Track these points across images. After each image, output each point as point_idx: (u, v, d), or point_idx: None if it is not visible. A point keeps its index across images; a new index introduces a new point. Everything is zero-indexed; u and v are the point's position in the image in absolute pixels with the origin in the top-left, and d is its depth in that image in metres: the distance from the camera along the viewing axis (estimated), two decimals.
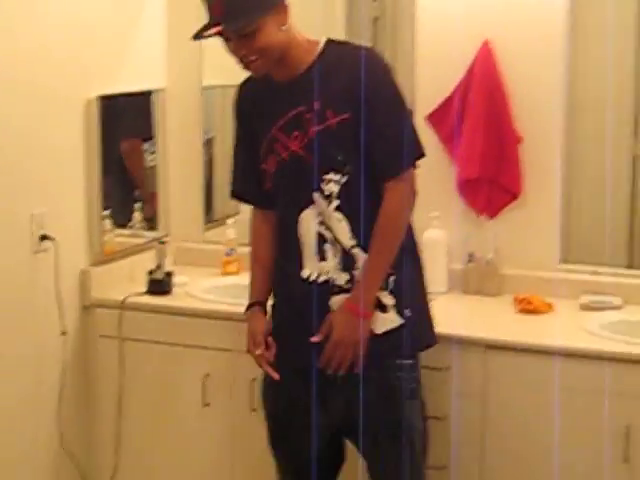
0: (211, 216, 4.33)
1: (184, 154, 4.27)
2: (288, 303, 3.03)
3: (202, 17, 4.00)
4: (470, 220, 3.80)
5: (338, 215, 2.88)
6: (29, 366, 3.57)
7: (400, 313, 2.94)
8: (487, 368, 3.34)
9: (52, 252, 3.58)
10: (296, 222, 2.92)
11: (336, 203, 2.88)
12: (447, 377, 3.19)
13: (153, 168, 4.21)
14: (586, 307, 3.63)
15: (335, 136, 2.87)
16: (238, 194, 3.24)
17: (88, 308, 3.81)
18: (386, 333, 2.93)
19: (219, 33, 2.78)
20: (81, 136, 3.75)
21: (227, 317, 3.63)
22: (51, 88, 3.57)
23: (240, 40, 2.78)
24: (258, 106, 3.02)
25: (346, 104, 2.86)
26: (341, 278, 2.91)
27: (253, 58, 2.79)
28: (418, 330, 3.00)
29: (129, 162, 4.20)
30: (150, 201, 4.23)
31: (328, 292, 2.91)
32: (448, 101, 3.75)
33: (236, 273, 4.11)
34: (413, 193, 2.96)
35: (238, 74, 4.12)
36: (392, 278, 2.92)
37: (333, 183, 2.87)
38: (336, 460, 3.21)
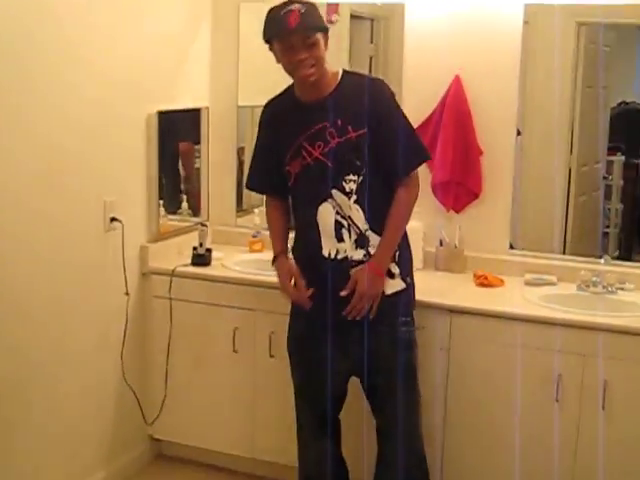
0: (241, 206, 4.32)
1: (221, 159, 4.27)
2: (315, 276, 3.02)
3: (238, 53, 4.07)
4: (441, 214, 3.82)
5: (356, 206, 2.94)
6: (101, 318, 3.59)
7: (403, 280, 3.05)
8: (452, 328, 3.36)
9: (119, 231, 3.59)
10: (315, 213, 2.95)
11: (354, 197, 2.94)
12: (422, 334, 3.17)
13: (197, 169, 4.20)
14: (529, 283, 3.65)
15: (354, 146, 2.93)
16: (253, 187, 3.31)
17: (146, 275, 3.82)
18: (393, 294, 3.01)
19: (286, 42, 2.84)
20: (144, 143, 3.76)
21: (252, 284, 3.67)
22: (123, 106, 3.59)
23: (305, 47, 2.83)
24: (285, 120, 3.04)
25: (363, 122, 2.92)
26: (358, 254, 2.97)
27: (313, 62, 2.85)
28: (413, 294, 3.12)
29: (183, 160, 4.21)
30: (194, 194, 4.23)
31: (348, 266, 2.96)
32: (427, 121, 3.76)
33: (260, 251, 4.11)
34: (417, 186, 3.07)
35: (264, 97, 4.19)
36: (397, 252, 3.02)
37: (352, 182, 2.93)
38: (343, 395, 3.24)
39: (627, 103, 3.93)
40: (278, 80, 4.23)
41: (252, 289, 3.67)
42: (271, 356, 3.62)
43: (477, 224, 3.81)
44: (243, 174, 4.29)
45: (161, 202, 3.91)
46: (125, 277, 3.67)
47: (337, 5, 3.98)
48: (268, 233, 4.02)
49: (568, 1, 3.60)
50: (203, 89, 4.19)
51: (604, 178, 3.98)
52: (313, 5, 2.89)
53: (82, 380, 3.51)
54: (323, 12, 3.97)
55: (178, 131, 4.09)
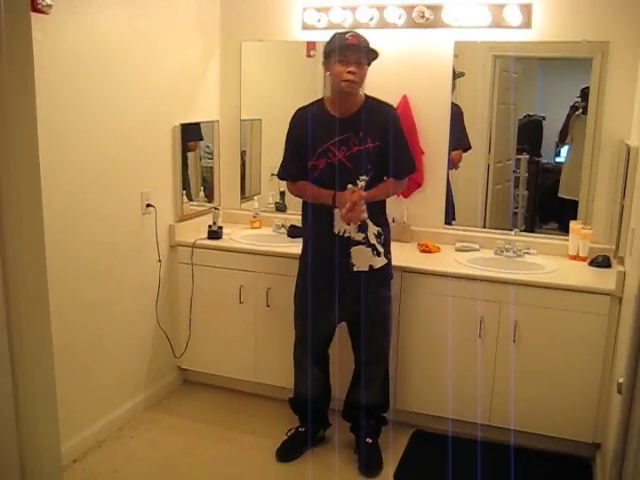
0: (244, 194, 4.27)
1: (229, 159, 4.22)
2: (323, 247, 3.04)
3: (241, 79, 4.03)
4: (394, 199, 3.72)
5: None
6: (140, 279, 3.58)
7: (386, 257, 3.09)
8: (403, 283, 3.37)
9: (153, 214, 3.57)
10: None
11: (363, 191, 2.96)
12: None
13: (211, 168, 4.16)
14: (458, 249, 3.66)
15: (369, 154, 2.96)
16: (288, 176, 3.17)
17: (173, 247, 3.79)
18: (380, 268, 3.07)
19: (344, 55, 2.88)
20: (170, 148, 3.72)
21: (253, 252, 3.65)
22: (154, 120, 3.56)
23: (355, 64, 2.88)
24: (315, 126, 3.00)
25: (378, 136, 2.96)
26: (358, 236, 3.01)
27: (357, 79, 2.90)
28: (391, 267, 3.16)
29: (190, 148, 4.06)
30: (209, 186, 4.21)
31: (349, 243, 3.01)
32: None
33: (259, 227, 4.08)
34: (404, 185, 3.23)
35: (261, 113, 4.17)
36: (383, 236, 3.07)
37: (363, 181, 2.96)
38: (333, 335, 3.26)
39: (531, 116, 3.94)
40: (269, 100, 4.27)
41: (253, 256, 3.65)
42: (267, 306, 3.62)
43: (420, 206, 3.81)
44: (245, 171, 4.29)
45: (184, 192, 3.87)
46: (158, 248, 3.64)
47: (314, 43, 3.94)
48: (264, 214, 4.10)
49: (487, 39, 3.58)
50: (214, 107, 4.14)
51: (514, 172, 3.98)
52: (367, 40, 2.96)
53: (126, 325, 3.51)
54: (303, 49, 3.99)
55: (192, 134, 4.00)
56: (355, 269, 3.03)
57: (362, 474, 3.13)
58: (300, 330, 3.22)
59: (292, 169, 3.13)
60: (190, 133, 3.90)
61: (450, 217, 3.88)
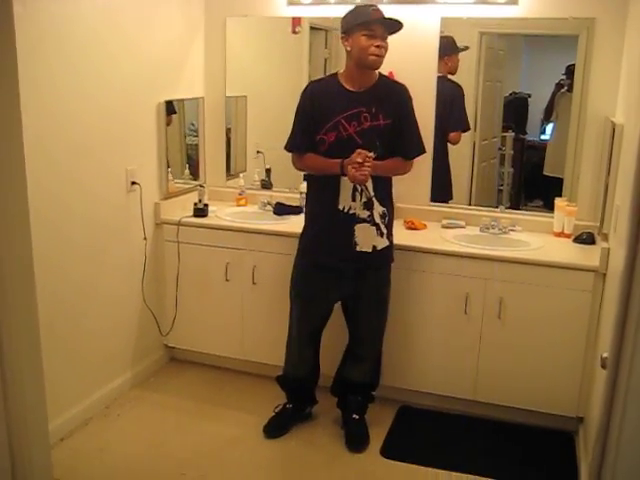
0: (229, 172, 4.24)
1: (214, 136, 4.18)
2: (327, 224, 3.00)
3: (225, 56, 3.99)
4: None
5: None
6: (126, 257, 3.56)
7: (388, 238, 3.05)
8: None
9: (138, 192, 3.54)
10: (339, 177, 2.92)
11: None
12: None
13: (196, 145, 4.13)
14: (445, 226, 3.66)
15: (380, 131, 2.93)
16: (294, 149, 3.07)
17: (159, 224, 3.77)
18: (382, 249, 3.03)
19: (371, 29, 2.84)
20: (154, 124, 3.68)
21: (239, 230, 3.63)
22: (140, 95, 3.52)
23: (382, 38, 2.86)
24: (327, 99, 2.96)
25: (391, 113, 2.94)
26: (363, 213, 2.97)
27: (383, 52, 2.88)
28: (393, 250, 3.12)
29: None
30: (194, 163, 4.17)
31: (354, 220, 2.96)
32: None
33: (245, 205, 4.05)
34: (411, 165, 3.13)
35: (246, 90, 4.13)
36: (387, 217, 3.04)
37: (371, 158, 2.86)
38: (330, 315, 3.24)
39: (516, 93, 3.93)
40: (254, 77, 4.23)
41: (239, 234, 3.63)
42: (254, 283, 3.61)
43: (407, 184, 3.75)
44: (231, 147, 4.26)
45: (169, 169, 3.84)
46: (143, 226, 3.62)
47: (300, 18, 3.91)
48: (250, 192, 4.08)
49: (473, 15, 3.56)
50: (199, 83, 4.09)
51: (499, 149, 3.98)
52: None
53: (112, 304, 3.50)
54: (289, 25, 3.95)
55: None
56: (358, 249, 2.99)
57: (349, 449, 3.16)
58: (297, 311, 3.19)
59: (300, 142, 3.06)
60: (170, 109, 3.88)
61: (447, 196, 3.89)
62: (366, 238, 2.99)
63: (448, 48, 3.71)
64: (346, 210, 2.97)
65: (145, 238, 3.65)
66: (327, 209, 3.00)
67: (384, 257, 3.09)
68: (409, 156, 3.08)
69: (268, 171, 4.20)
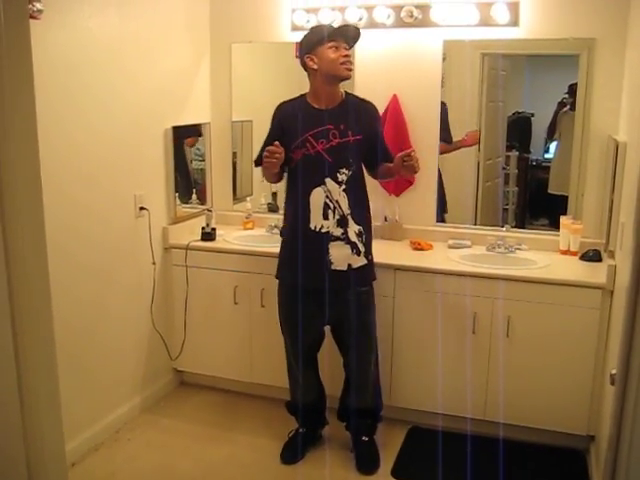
0: (236, 196, 4.28)
1: (220, 161, 4.23)
2: (300, 243, 2.97)
3: (231, 82, 4.04)
4: (385, 197, 3.83)
5: (343, 194, 2.93)
6: (135, 282, 3.59)
7: (366, 257, 3.02)
8: (396, 281, 3.39)
9: (147, 217, 3.58)
10: (309, 194, 2.93)
11: (344, 187, 2.93)
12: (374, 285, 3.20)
13: (203, 170, 4.17)
14: (451, 246, 3.69)
15: (350, 147, 2.94)
16: (258, 164, 3.08)
17: (167, 249, 3.80)
18: (359, 267, 3.00)
19: (336, 41, 2.91)
20: (162, 150, 3.73)
21: (247, 253, 3.66)
22: (147, 122, 3.57)
23: (348, 49, 2.94)
24: (296, 118, 2.97)
25: (360, 130, 2.95)
26: (337, 231, 2.95)
27: (351, 64, 2.95)
28: (373, 269, 3.09)
29: (189, 146, 4.13)
30: (201, 188, 4.21)
31: (328, 239, 2.95)
32: None
33: (252, 228, 4.08)
34: None
35: (252, 114, 4.18)
36: (364, 236, 3.01)
37: (344, 175, 2.92)
38: (321, 339, 3.25)
39: (519, 112, 3.96)
40: (259, 101, 4.28)
41: (247, 257, 3.66)
42: (262, 306, 3.62)
43: (412, 204, 3.82)
44: (237, 171, 4.30)
45: (176, 194, 3.88)
46: (152, 251, 3.65)
47: None
48: (257, 215, 4.11)
49: (475, 37, 3.61)
50: (205, 109, 4.15)
51: (503, 169, 4.01)
52: None
53: (122, 328, 3.52)
54: (293, 50, 4.00)
55: (189, 133, 4.05)
56: (333, 267, 2.97)
57: (360, 471, 3.15)
58: (287, 337, 3.20)
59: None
60: (187, 130, 3.94)
61: (441, 210, 3.90)
62: (341, 257, 2.97)
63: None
64: (318, 229, 2.96)
65: (154, 262, 3.68)
66: (300, 229, 2.98)
67: (362, 276, 3.04)
68: (386, 161, 3.08)
69: (274, 194, 4.24)
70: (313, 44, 2.94)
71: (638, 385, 1.31)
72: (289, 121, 3.01)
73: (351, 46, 3.00)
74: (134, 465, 3.21)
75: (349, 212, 2.96)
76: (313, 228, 2.96)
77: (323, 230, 2.95)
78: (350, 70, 2.95)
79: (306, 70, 3.01)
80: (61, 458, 1.41)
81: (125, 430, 3.50)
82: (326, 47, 2.90)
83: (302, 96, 3.09)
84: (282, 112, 3.10)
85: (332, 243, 2.96)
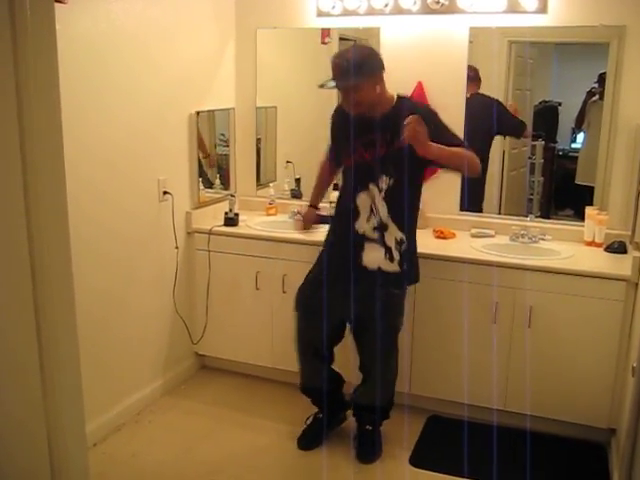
0: (259, 181, 4.30)
1: (244, 146, 4.24)
2: (344, 239, 2.98)
3: (256, 67, 4.05)
4: None
5: (382, 202, 2.93)
6: (158, 266, 3.63)
7: (400, 265, 2.97)
8: (420, 269, 3.38)
9: (170, 201, 3.60)
10: (355, 197, 2.96)
11: (383, 195, 2.92)
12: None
13: (227, 155, 4.19)
14: (474, 235, 3.68)
15: (393, 157, 2.89)
16: (328, 156, 3.29)
17: (190, 233, 3.83)
18: (389, 272, 2.97)
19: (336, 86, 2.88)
20: (186, 135, 3.75)
21: (269, 239, 3.67)
22: (172, 106, 3.59)
23: (345, 92, 2.90)
24: (346, 126, 2.95)
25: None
26: (373, 235, 2.96)
27: (352, 105, 2.87)
28: (405, 275, 3.02)
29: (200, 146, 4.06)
30: (225, 173, 4.23)
31: (364, 239, 2.96)
32: None
33: (275, 214, 4.10)
34: (473, 159, 2.92)
35: (276, 100, 4.18)
36: (404, 245, 2.98)
37: (384, 183, 2.91)
38: (339, 334, 3.23)
39: (546, 102, 3.93)
40: (284, 87, 4.29)
41: (269, 243, 3.67)
42: (284, 292, 3.63)
43: (436, 193, 3.76)
44: (261, 157, 4.31)
45: (200, 179, 3.90)
46: (175, 235, 3.68)
47: (329, 30, 3.96)
48: (280, 201, 4.13)
49: (502, 25, 3.58)
50: (230, 94, 4.16)
51: (529, 158, 3.97)
52: (360, 56, 2.91)
53: (145, 312, 3.56)
54: (318, 36, 4.00)
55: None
56: (362, 263, 2.97)
57: (359, 461, 3.16)
58: (299, 322, 3.19)
59: (329, 155, 3.29)
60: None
61: (479, 199, 3.89)
62: (373, 257, 2.97)
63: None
64: (360, 232, 2.98)
65: (177, 247, 3.71)
66: (345, 228, 2.99)
67: (391, 280, 3.00)
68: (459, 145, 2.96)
69: (298, 181, 4.25)
70: (381, 68, 2.90)
71: None
72: (340, 128, 3.07)
73: (363, 82, 2.89)
74: (154, 447, 3.26)
75: (388, 218, 2.95)
76: (356, 229, 2.98)
77: (360, 231, 2.98)
78: (358, 111, 2.92)
79: (362, 80, 2.86)
80: (82, 438, 1.44)
81: (146, 412, 3.55)
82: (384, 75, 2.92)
83: None
84: (336, 117, 3.15)
85: (367, 243, 2.98)
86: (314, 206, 3.35)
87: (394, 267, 2.98)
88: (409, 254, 3.02)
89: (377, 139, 2.91)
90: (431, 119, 2.86)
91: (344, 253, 2.99)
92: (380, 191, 2.93)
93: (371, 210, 2.95)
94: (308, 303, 3.14)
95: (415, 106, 3.00)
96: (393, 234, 2.96)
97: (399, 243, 2.97)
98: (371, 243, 2.97)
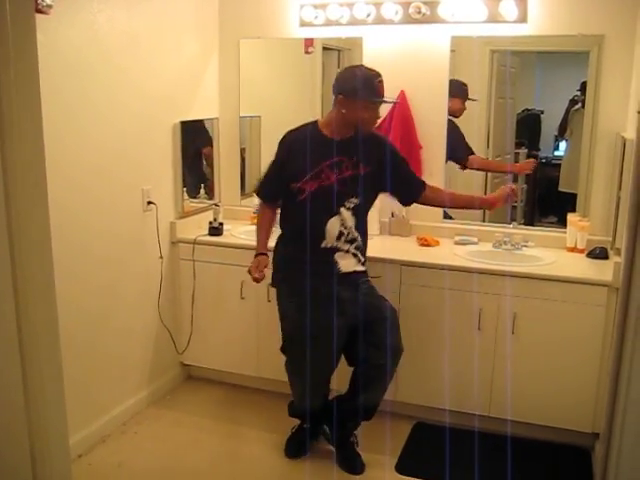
0: (244, 191, 4.32)
1: (228, 156, 4.27)
2: (309, 257, 2.95)
3: (239, 77, 4.07)
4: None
5: (353, 218, 2.98)
6: (142, 276, 3.63)
7: (363, 264, 3.08)
8: (402, 276, 3.42)
9: (154, 211, 3.62)
10: (325, 223, 2.96)
11: (352, 212, 2.98)
12: (379, 282, 3.24)
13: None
14: (457, 243, 3.72)
15: (360, 179, 2.97)
16: (263, 196, 3.19)
17: (175, 243, 3.84)
18: (361, 272, 3.07)
19: (376, 105, 2.95)
20: (170, 144, 3.77)
21: (254, 248, 3.55)
22: (155, 116, 3.61)
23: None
24: (308, 148, 2.96)
25: (371, 163, 2.98)
26: (344, 246, 3.00)
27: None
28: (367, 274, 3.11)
29: (208, 160, 4.21)
30: (209, 183, 4.25)
31: (335, 250, 2.98)
32: (381, 124, 3.68)
33: None
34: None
35: (260, 110, 4.19)
36: (362, 248, 3.07)
37: (353, 203, 2.97)
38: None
39: (529, 110, 3.98)
40: (267, 97, 4.31)
41: (254, 252, 3.62)
42: (268, 301, 3.62)
43: None
44: (245, 167, 4.33)
45: (184, 189, 3.92)
46: (159, 245, 3.70)
47: (312, 39, 4.00)
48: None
49: (483, 34, 3.63)
50: (214, 104, 4.19)
51: None
52: None
53: (129, 322, 3.57)
54: (301, 45, 4.04)
55: (202, 137, 4.15)
56: (339, 270, 2.99)
57: (353, 473, 3.16)
58: (307, 357, 3.01)
59: (269, 190, 3.17)
60: (200, 138, 4.01)
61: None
62: (346, 263, 3.03)
63: (452, 90, 3.77)
64: (329, 246, 3.00)
65: (161, 257, 3.72)
66: (311, 247, 2.97)
67: (365, 276, 3.11)
68: (418, 195, 3.17)
69: None
70: (355, 92, 2.88)
71: (628, 383, 1.34)
72: (301, 152, 2.97)
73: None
74: (140, 457, 3.26)
75: (355, 231, 3.02)
76: (323, 246, 2.99)
77: (329, 246, 2.99)
78: (374, 127, 3.08)
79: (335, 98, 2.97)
80: (65, 450, 1.46)
81: (132, 423, 3.56)
82: (365, 104, 2.90)
83: (313, 124, 3.07)
84: (292, 142, 3.06)
85: (338, 253, 3.01)
86: (264, 253, 3.18)
87: (363, 267, 3.09)
88: (365, 256, 3.13)
89: (343, 162, 2.96)
90: (388, 149, 3.06)
91: (318, 269, 2.97)
92: (348, 209, 2.98)
93: (341, 233, 2.99)
94: (310, 328, 2.96)
95: (377, 135, 3.14)
96: (359, 242, 3.05)
97: (358, 249, 3.06)
98: (341, 252, 3.02)
